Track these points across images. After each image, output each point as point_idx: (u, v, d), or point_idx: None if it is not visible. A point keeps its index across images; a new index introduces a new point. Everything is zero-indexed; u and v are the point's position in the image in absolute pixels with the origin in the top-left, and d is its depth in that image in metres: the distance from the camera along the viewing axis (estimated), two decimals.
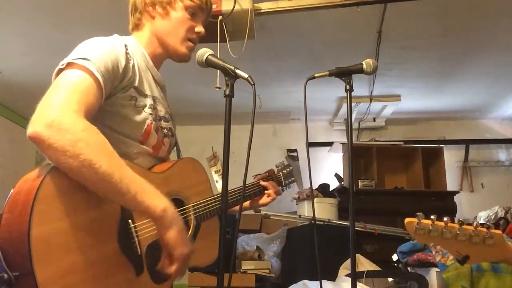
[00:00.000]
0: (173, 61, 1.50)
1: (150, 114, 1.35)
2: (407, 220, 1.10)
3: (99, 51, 1.22)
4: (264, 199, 1.73)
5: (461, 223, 1.10)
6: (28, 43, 3.62)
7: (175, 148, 1.57)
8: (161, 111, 1.43)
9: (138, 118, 1.31)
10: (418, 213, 1.09)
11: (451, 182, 4.92)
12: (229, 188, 1.36)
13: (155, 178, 1.32)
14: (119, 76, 1.25)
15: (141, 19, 1.45)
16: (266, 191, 1.72)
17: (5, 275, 0.98)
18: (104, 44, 1.26)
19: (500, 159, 5.32)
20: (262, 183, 1.72)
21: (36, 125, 1.03)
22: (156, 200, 1.13)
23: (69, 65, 1.17)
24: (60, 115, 1.05)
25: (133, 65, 1.32)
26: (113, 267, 1.14)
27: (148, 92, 1.37)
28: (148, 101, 1.36)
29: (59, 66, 1.18)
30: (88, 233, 1.09)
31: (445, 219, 1.09)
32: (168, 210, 1.14)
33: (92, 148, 1.05)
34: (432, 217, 1.09)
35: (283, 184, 1.84)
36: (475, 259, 1.14)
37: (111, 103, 1.26)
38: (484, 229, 1.10)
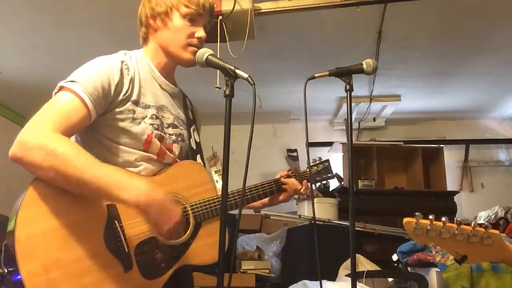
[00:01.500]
0: (182, 66, 1.54)
1: (151, 124, 1.42)
2: (405, 220, 1.10)
3: (89, 73, 1.32)
4: (282, 196, 1.72)
5: (459, 223, 1.10)
6: (28, 43, 3.61)
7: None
8: (169, 118, 1.49)
9: (137, 129, 1.39)
10: (416, 213, 1.09)
11: (451, 182, 4.92)
12: (229, 189, 1.36)
13: (150, 183, 1.35)
14: (113, 93, 1.34)
15: (147, 33, 1.52)
16: (283, 186, 1.70)
17: (1, 269, 1.15)
18: (96, 65, 1.36)
19: (500, 159, 5.32)
20: (283, 180, 1.71)
21: (14, 147, 1.19)
22: (126, 192, 1.19)
23: (60, 88, 1.30)
24: (34, 135, 1.19)
25: (131, 79, 1.39)
26: (99, 263, 1.22)
27: (151, 103, 1.44)
28: (150, 112, 1.42)
29: (54, 90, 1.31)
30: (73, 233, 1.20)
31: (443, 219, 1.09)
32: (140, 197, 1.20)
33: (61, 159, 1.17)
34: (430, 217, 1.09)
35: (311, 180, 1.79)
36: (473, 259, 1.14)
37: (110, 117, 1.36)
38: (482, 229, 1.10)
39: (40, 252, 1.15)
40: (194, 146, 1.59)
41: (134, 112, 1.38)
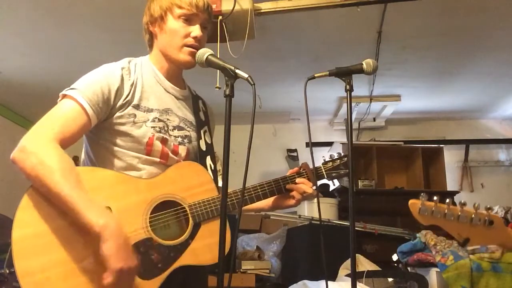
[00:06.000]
0: (183, 69, 1.56)
1: (153, 127, 1.44)
2: (411, 201, 1.14)
3: (89, 80, 1.38)
4: (290, 201, 1.60)
5: (463, 205, 1.12)
6: (28, 43, 3.62)
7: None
8: (174, 121, 1.51)
9: (138, 132, 1.42)
10: (422, 194, 1.12)
11: (451, 182, 4.93)
12: (229, 189, 1.36)
13: (145, 185, 1.39)
14: (113, 98, 1.39)
15: (150, 39, 1.57)
16: (291, 193, 1.59)
17: (3, 271, 1.19)
18: (97, 72, 1.41)
19: (500, 159, 5.32)
20: (288, 186, 1.58)
21: (15, 150, 1.26)
22: (96, 218, 1.20)
23: (61, 96, 1.36)
24: (33, 141, 1.26)
25: (133, 84, 1.44)
26: (94, 263, 1.23)
27: (154, 106, 1.47)
28: (152, 115, 1.45)
29: (58, 99, 1.37)
30: (68, 234, 1.24)
31: (447, 200, 1.13)
32: (108, 226, 1.19)
33: (46, 171, 1.21)
34: (435, 198, 1.14)
35: (325, 176, 1.66)
36: (476, 241, 1.17)
37: (112, 122, 1.41)
38: (485, 212, 1.13)
39: (36, 252, 1.20)
40: (203, 148, 1.58)
41: (135, 116, 1.42)
